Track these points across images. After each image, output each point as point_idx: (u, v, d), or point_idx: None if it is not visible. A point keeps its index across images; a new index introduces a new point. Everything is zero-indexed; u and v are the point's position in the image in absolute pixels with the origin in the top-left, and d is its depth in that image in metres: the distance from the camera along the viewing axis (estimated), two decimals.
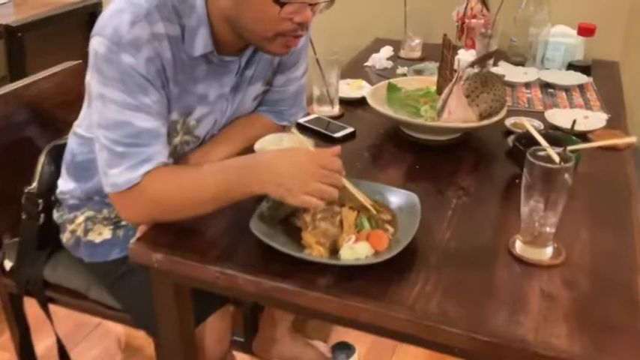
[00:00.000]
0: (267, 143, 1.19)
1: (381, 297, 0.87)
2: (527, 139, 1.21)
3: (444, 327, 0.82)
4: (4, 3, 2.54)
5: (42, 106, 1.46)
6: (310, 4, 1.01)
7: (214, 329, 1.20)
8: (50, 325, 1.38)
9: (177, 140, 1.14)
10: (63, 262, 1.35)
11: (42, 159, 1.31)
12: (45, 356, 1.61)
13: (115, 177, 1.01)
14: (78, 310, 1.38)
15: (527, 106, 1.57)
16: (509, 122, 1.40)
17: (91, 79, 1.03)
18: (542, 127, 1.38)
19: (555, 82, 1.69)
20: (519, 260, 0.95)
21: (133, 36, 0.98)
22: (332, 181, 0.94)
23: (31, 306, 1.44)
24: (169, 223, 1.03)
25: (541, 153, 0.94)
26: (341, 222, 0.97)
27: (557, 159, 0.93)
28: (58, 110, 1.47)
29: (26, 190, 1.30)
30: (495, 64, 1.81)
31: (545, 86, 1.69)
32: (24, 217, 1.31)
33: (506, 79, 1.70)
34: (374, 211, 0.99)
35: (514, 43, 1.87)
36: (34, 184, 1.30)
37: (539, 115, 1.46)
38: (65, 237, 1.30)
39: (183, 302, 1.04)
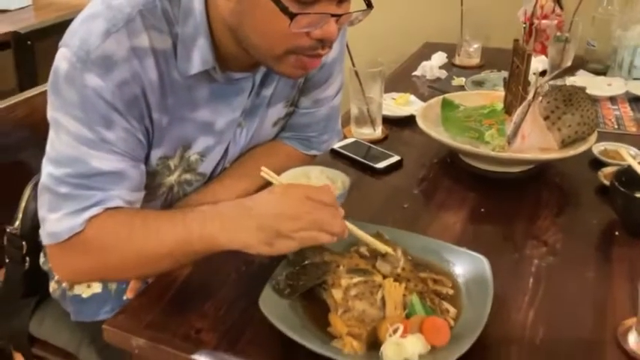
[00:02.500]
0: (291, 178, 0.94)
1: None
2: (628, 177, 0.94)
3: None
4: (25, 7, 2.41)
5: (34, 128, 1.24)
6: (334, 15, 0.74)
7: None
8: None
9: (171, 179, 0.91)
10: (51, 315, 1.14)
11: (26, 194, 1.10)
12: None
13: (54, 224, 0.79)
14: None
15: (616, 127, 1.27)
16: (597, 149, 1.12)
17: (48, 101, 0.81)
18: None
19: None
20: (632, 358, 0.68)
21: (105, 51, 0.75)
22: (328, 214, 0.72)
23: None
24: (159, 291, 0.80)
25: None
26: (383, 300, 0.71)
27: None
28: None
29: (8, 230, 1.09)
30: (572, 74, 1.51)
31: (636, 101, 1.39)
32: (7, 260, 1.11)
33: (587, 91, 1.40)
34: (394, 254, 0.77)
35: (592, 47, 1.57)
36: (17, 223, 1.09)
37: (635, 140, 1.18)
38: (52, 287, 1.09)
39: None
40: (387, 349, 0.65)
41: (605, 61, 1.56)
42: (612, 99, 1.40)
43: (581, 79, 1.48)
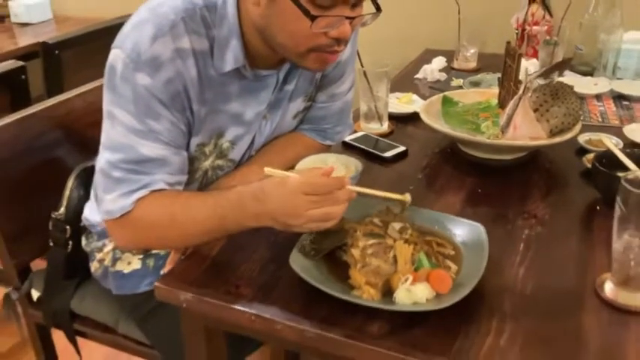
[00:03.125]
0: (309, 165, 1.07)
1: (446, 351, 0.72)
2: (609, 159, 1.06)
3: None
4: (45, 21, 2.54)
5: (74, 125, 1.37)
6: (348, 18, 0.88)
7: None
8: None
9: (206, 164, 1.04)
10: (91, 293, 1.26)
11: (70, 182, 1.22)
12: None
13: (109, 204, 0.93)
14: (107, 345, 1.28)
15: (600, 120, 1.40)
16: (582, 139, 1.24)
17: (104, 95, 0.94)
18: (620, 144, 1.21)
19: (631, 93, 1.51)
20: (611, 305, 0.80)
21: (154, 53, 0.88)
22: (328, 203, 0.81)
23: (59, 337, 1.35)
24: (200, 256, 0.92)
25: (635, 177, 0.78)
26: (395, 258, 0.83)
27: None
28: (91, 129, 1.37)
29: (53, 216, 1.21)
30: (561, 75, 1.64)
31: (619, 98, 1.52)
32: (51, 244, 1.23)
33: (575, 90, 1.53)
34: (405, 199, 0.88)
35: (580, 51, 1.70)
36: (62, 210, 1.21)
37: (616, 131, 1.30)
38: (93, 266, 1.20)
39: (216, 345, 0.92)
40: (400, 294, 0.78)
41: (592, 63, 1.68)
42: (598, 96, 1.53)
43: (569, 79, 1.61)
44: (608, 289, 0.81)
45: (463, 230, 0.91)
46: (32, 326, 1.35)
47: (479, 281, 0.80)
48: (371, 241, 0.84)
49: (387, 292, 0.80)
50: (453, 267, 0.84)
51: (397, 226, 0.88)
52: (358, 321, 0.77)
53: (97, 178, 0.97)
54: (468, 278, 0.81)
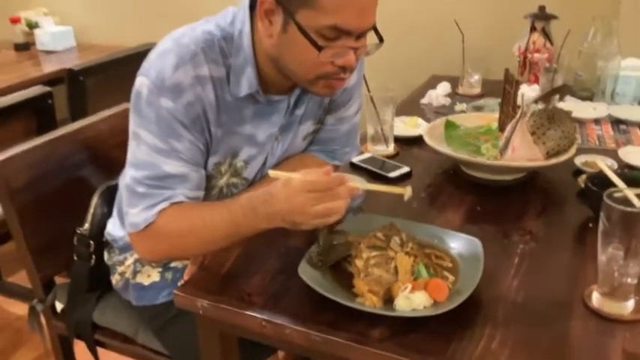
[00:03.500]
0: None
1: (441, 353, 0.79)
2: (601, 180, 1.12)
3: None
4: (69, 48, 2.66)
5: (98, 147, 1.47)
6: (353, 48, 0.96)
7: None
8: None
9: (222, 182, 1.12)
10: (112, 305, 1.33)
11: (95, 200, 1.31)
12: None
13: (134, 217, 1.02)
14: (126, 355, 1.35)
15: (598, 143, 1.46)
16: (579, 161, 1.31)
17: (130, 118, 1.02)
18: (615, 166, 1.28)
19: (628, 117, 1.57)
20: (596, 314, 0.85)
21: (176, 80, 0.97)
22: (331, 198, 0.88)
23: (80, 349, 1.42)
24: (216, 267, 0.99)
25: (618, 195, 0.85)
26: (396, 269, 0.90)
27: (637, 202, 0.83)
28: (114, 151, 1.47)
29: (78, 231, 1.29)
30: (561, 100, 1.71)
31: (617, 122, 1.58)
32: (75, 258, 1.31)
33: (573, 115, 1.60)
34: (405, 193, 0.94)
35: (580, 77, 1.77)
36: (86, 225, 1.29)
37: (612, 153, 1.36)
38: (115, 279, 1.28)
39: (230, 350, 0.99)
40: (400, 301, 0.84)
41: (591, 89, 1.75)
42: (596, 121, 1.59)
43: (569, 104, 1.68)
44: (595, 299, 0.87)
45: (461, 244, 0.97)
46: (55, 337, 1.42)
47: (474, 291, 0.86)
48: (374, 253, 0.91)
49: (388, 299, 0.87)
50: (451, 277, 0.91)
51: (399, 239, 0.95)
52: (361, 326, 0.83)
53: (123, 194, 1.05)
54: (464, 288, 0.87)
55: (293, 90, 1.11)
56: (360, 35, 0.96)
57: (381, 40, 1.00)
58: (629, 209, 0.80)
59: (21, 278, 2.34)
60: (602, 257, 0.85)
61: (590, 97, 1.73)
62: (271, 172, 0.95)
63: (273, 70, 1.03)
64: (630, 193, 0.86)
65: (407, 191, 0.94)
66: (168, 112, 0.98)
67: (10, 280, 2.34)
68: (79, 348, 1.43)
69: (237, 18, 1.03)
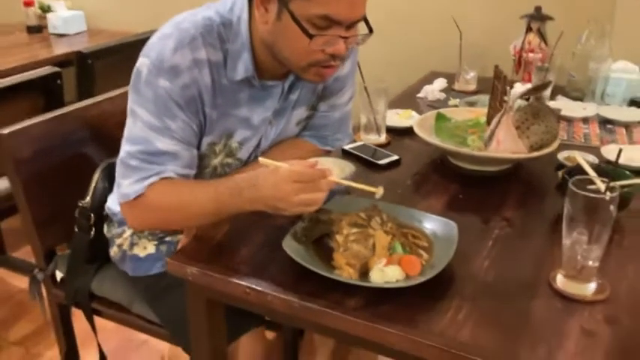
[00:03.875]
0: None
1: (410, 322, 0.84)
2: (579, 173, 1.17)
3: (473, 357, 0.78)
4: (80, 32, 2.73)
5: (102, 125, 1.53)
6: (343, 37, 1.01)
7: (248, 350, 1.20)
8: (95, 339, 1.42)
9: (216, 162, 1.17)
10: (109, 276, 1.39)
11: (96, 175, 1.37)
12: None
13: (125, 188, 1.07)
14: (121, 324, 1.41)
15: (583, 141, 1.51)
16: (562, 156, 1.36)
17: (129, 95, 1.08)
18: (596, 162, 1.32)
19: (615, 117, 1.62)
20: (560, 295, 0.91)
21: (174, 62, 1.03)
22: (313, 190, 0.94)
23: (79, 321, 1.49)
24: (206, 240, 1.05)
25: (583, 182, 0.90)
26: (374, 245, 0.95)
27: (602, 187, 0.89)
28: (116, 130, 1.51)
29: (80, 204, 1.35)
30: (553, 99, 1.76)
31: (605, 122, 1.63)
32: (76, 230, 1.37)
33: (563, 113, 1.65)
34: (377, 192, 0.99)
35: (573, 78, 1.82)
36: (88, 199, 1.35)
37: (595, 151, 1.41)
38: (113, 251, 1.34)
39: (216, 317, 1.05)
40: (374, 274, 0.90)
41: (583, 90, 1.79)
42: (584, 120, 1.64)
43: (560, 103, 1.73)
44: (559, 280, 0.92)
45: (438, 226, 1.03)
46: (54, 306, 1.48)
47: (446, 268, 0.92)
48: (354, 230, 0.97)
49: (364, 273, 0.92)
50: (425, 255, 0.96)
51: (379, 219, 1.00)
52: (338, 296, 0.89)
53: (118, 167, 1.11)
54: (437, 265, 0.93)
55: (287, 76, 1.16)
56: (351, 25, 1.01)
57: (370, 30, 1.06)
58: (592, 195, 0.85)
59: (24, 253, 2.42)
60: (566, 241, 0.90)
61: (581, 98, 1.78)
62: (261, 159, 1.01)
63: (269, 56, 1.09)
64: (598, 180, 0.91)
65: (379, 190, 0.99)
66: (165, 92, 1.04)
67: (13, 255, 2.41)
68: (77, 318, 1.50)
69: (237, 5, 1.09)
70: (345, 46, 1.02)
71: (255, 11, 1.05)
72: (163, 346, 1.87)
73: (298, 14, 0.98)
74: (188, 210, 1.05)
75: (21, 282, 2.26)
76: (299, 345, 1.65)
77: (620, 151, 1.06)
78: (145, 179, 1.07)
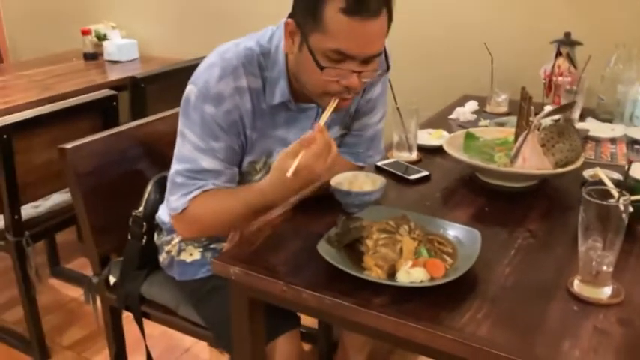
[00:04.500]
0: (342, 179, 1.29)
1: (433, 319, 0.91)
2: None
3: (489, 349, 0.85)
4: (134, 59, 2.91)
5: (154, 143, 1.66)
6: (356, 71, 1.09)
7: (284, 350, 1.28)
8: (143, 342, 1.53)
9: (257, 178, 1.29)
10: (158, 281, 1.50)
11: (149, 187, 1.50)
12: None
13: (173, 202, 1.20)
14: (167, 326, 1.52)
15: (609, 160, 1.56)
16: (587, 174, 1.41)
17: (179, 119, 1.21)
18: (621, 179, 1.37)
19: None
20: (577, 298, 0.96)
21: (219, 90, 1.15)
22: (321, 145, 1.04)
23: (128, 326, 1.60)
24: (248, 244, 1.15)
25: (591, 190, 0.96)
26: (401, 250, 1.03)
27: (615, 195, 0.95)
28: (168, 147, 1.64)
29: (134, 214, 1.48)
30: (583, 120, 1.82)
31: (632, 143, 1.67)
32: (129, 238, 1.49)
33: (591, 133, 1.70)
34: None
35: (602, 101, 1.87)
36: (141, 209, 1.48)
37: (621, 169, 1.45)
38: (162, 257, 1.46)
39: (256, 316, 1.14)
40: (400, 274, 0.98)
41: (612, 112, 1.84)
42: (612, 140, 1.69)
43: (588, 124, 1.78)
44: (576, 285, 0.98)
45: (462, 234, 1.10)
46: (107, 308, 1.61)
47: (469, 272, 0.99)
48: (383, 235, 1.05)
49: (392, 274, 1.00)
50: (449, 260, 1.04)
51: (407, 227, 1.08)
52: (367, 294, 0.97)
53: (167, 184, 1.23)
54: (460, 268, 1.00)
55: None
56: (367, 60, 1.10)
57: (388, 68, 1.15)
58: (604, 203, 0.92)
59: (76, 265, 2.57)
60: (582, 248, 0.96)
61: (610, 120, 1.83)
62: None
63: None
64: (610, 185, 0.97)
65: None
66: (210, 117, 1.16)
67: (66, 266, 2.57)
68: (127, 326, 1.61)
69: (275, 36, 1.21)
70: (359, 79, 1.10)
71: (284, 41, 1.16)
72: (205, 355, 1.98)
73: (315, 47, 1.08)
74: (226, 217, 1.17)
75: (73, 291, 2.41)
76: (333, 358, 1.73)
77: (630, 163, 1.11)
78: (189, 194, 1.19)
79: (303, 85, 1.16)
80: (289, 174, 1.03)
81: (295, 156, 1.03)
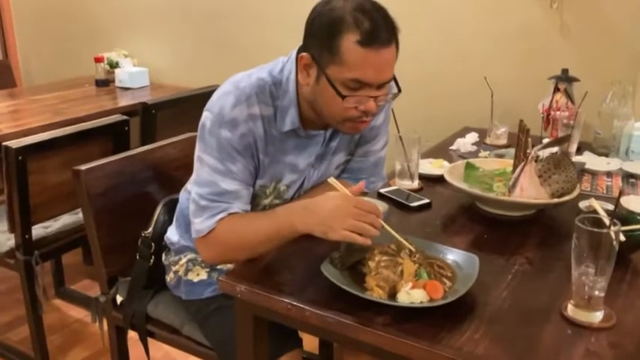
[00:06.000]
0: None
1: (432, 338, 0.95)
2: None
3: None
4: (144, 86, 2.99)
5: (164, 166, 1.72)
6: (372, 97, 1.17)
7: None
8: None
9: (266, 202, 1.34)
10: (164, 301, 1.54)
11: (159, 209, 1.55)
12: None
13: (198, 225, 1.24)
14: (171, 345, 1.55)
15: (605, 192, 1.61)
16: (583, 205, 1.45)
17: (196, 145, 1.26)
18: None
19: (638, 172, 1.71)
20: (570, 322, 1.00)
21: (233, 116, 1.21)
22: (368, 220, 1.08)
23: (131, 348, 1.63)
24: (254, 264, 1.19)
25: (584, 218, 1.00)
26: (402, 272, 1.07)
27: (607, 222, 0.99)
28: (177, 171, 1.73)
29: (143, 234, 1.52)
30: (580, 154, 1.87)
31: (628, 176, 1.72)
32: (137, 257, 1.54)
33: (588, 166, 1.76)
34: (412, 248, 1.11)
35: (599, 135, 1.93)
36: (150, 230, 1.52)
37: (614, 200, 1.50)
38: (169, 277, 1.50)
39: (260, 334, 1.18)
40: (401, 295, 1.02)
41: (609, 146, 1.90)
42: (608, 173, 1.74)
43: (585, 157, 1.83)
44: (569, 309, 1.02)
45: (461, 258, 1.15)
46: (112, 327, 1.64)
47: (467, 295, 1.03)
48: (385, 258, 1.09)
49: (392, 295, 1.04)
50: (448, 283, 1.08)
51: (408, 251, 1.13)
52: (368, 314, 1.01)
53: (190, 207, 1.28)
54: (458, 291, 1.04)
55: (328, 126, 1.33)
56: (381, 86, 1.17)
57: (399, 90, 1.22)
58: (595, 230, 0.96)
59: (80, 286, 2.61)
60: (575, 273, 1.01)
61: (607, 154, 1.88)
62: (330, 180, 1.19)
63: (311, 110, 1.26)
64: (603, 213, 1.02)
65: (410, 246, 1.12)
66: (226, 141, 1.22)
67: (71, 287, 2.60)
68: (130, 342, 1.64)
69: (286, 67, 1.27)
70: (375, 103, 1.18)
71: (299, 74, 1.23)
72: None
73: (333, 78, 1.15)
74: (251, 239, 1.20)
75: (77, 312, 2.44)
76: None
77: (620, 194, 1.16)
78: (215, 215, 1.23)
79: (321, 113, 1.23)
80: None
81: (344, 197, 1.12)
